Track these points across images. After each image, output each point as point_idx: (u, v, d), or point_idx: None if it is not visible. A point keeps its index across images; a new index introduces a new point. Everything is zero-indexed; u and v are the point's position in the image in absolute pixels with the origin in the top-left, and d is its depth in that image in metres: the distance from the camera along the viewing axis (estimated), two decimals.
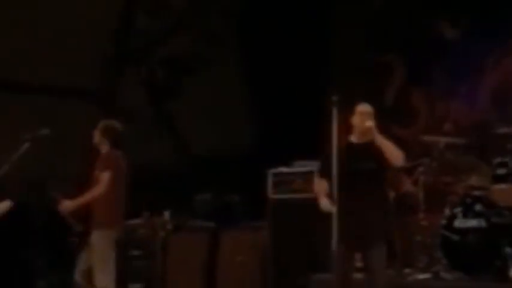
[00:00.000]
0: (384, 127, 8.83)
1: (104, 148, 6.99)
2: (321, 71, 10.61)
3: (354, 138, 6.03)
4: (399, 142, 7.67)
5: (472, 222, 7.04)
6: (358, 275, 6.08)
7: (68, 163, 10.27)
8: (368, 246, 5.79)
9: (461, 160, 7.70)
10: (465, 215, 7.12)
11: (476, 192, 7.26)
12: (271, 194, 8.16)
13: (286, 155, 8.49)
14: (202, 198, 9.23)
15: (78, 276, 6.89)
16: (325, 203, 5.75)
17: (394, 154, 5.83)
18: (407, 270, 7.36)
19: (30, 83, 10.81)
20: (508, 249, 6.77)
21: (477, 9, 9.49)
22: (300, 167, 7.97)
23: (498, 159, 7.23)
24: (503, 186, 7.15)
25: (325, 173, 5.86)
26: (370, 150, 5.87)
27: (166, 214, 8.91)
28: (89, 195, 6.76)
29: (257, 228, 8.40)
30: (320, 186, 5.92)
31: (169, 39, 11.43)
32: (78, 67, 10.77)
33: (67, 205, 6.81)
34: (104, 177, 6.73)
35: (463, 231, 7.06)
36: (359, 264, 6.08)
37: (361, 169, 5.81)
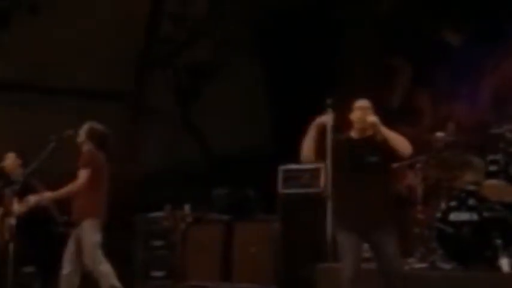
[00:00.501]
0: (390, 126, 8.96)
1: (86, 148, 6.98)
2: (332, 73, 10.60)
3: (354, 134, 5.81)
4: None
5: (466, 216, 6.96)
6: (368, 265, 5.96)
7: None
8: (378, 233, 5.54)
9: (457, 158, 7.59)
10: (459, 209, 7.03)
11: (470, 188, 7.18)
12: (281, 189, 8.21)
13: (297, 153, 8.59)
14: (220, 193, 9.29)
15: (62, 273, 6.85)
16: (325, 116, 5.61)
17: (402, 144, 5.62)
18: (405, 260, 7.17)
19: (65, 86, 11.05)
20: (498, 241, 6.66)
21: (478, 16, 9.49)
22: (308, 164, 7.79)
23: (490, 157, 7.19)
24: (494, 182, 7.08)
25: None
26: (372, 144, 5.68)
27: (187, 208, 9.17)
28: (67, 189, 6.82)
29: (269, 220, 8.43)
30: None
31: (192, 45, 11.55)
32: (110, 71, 11.04)
33: (46, 196, 6.98)
34: (82, 173, 6.76)
35: (457, 224, 6.98)
36: (367, 254, 5.91)
37: (366, 163, 5.62)
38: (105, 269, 6.76)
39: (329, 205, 5.63)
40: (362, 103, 5.80)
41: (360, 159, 5.63)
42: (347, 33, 10.95)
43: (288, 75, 10.74)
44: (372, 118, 5.68)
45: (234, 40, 11.45)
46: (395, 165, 7.01)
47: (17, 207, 7.28)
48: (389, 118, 9.68)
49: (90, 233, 6.76)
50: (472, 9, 9.54)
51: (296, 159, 8.31)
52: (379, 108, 9.47)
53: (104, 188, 6.96)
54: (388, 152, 5.62)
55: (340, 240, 5.58)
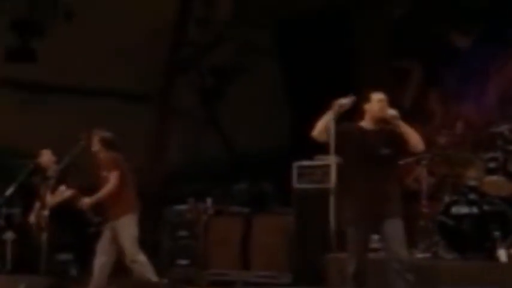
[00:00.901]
0: None
1: (103, 154, 7.11)
2: (347, 75, 10.56)
3: (366, 124, 5.64)
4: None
5: (466, 209, 7.07)
6: (376, 255, 5.97)
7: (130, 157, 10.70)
8: (385, 223, 5.42)
9: (459, 155, 7.73)
10: (461, 203, 7.15)
11: (471, 183, 7.30)
12: (296, 184, 8.25)
13: (312, 151, 8.68)
14: (240, 188, 9.37)
15: (96, 264, 6.99)
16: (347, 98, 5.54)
17: (416, 140, 5.51)
18: (410, 250, 7.13)
19: (97, 88, 11.16)
20: (496, 233, 6.77)
21: (484, 21, 9.60)
22: (320, 160, 7.97)
23: (490, 154, 7.29)
24: (494, 178, 7.19)
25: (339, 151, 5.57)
26: (386, 136, 5.55)
27: (209, 201, 9.16)
28: (103, 193, 6.96)
29: (284, 213, 8.44)
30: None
31: (217, 48, 11.60)
32: (139, 73, 11.12)
33: (86, 202, 7.08)
34: (113, 176, 6.93)
35: (459, 217, 7.09)
36: (375, 245, 5.88)
37: (378, 155, 5.48)
38: (143, 261, 6.92)
39: (331, 199, 5.67)
40: (380, 96, 5.69)
41: (372, 150, 5.50)
42: (362, 37, 10.98)
43: (305, 77, 10.76)
44: (393, 111, 5.57)
45: (255, 43, 11.50)
46: (403, 160, 7.20)
47: (50, 199, 7.51)
48: (401, 117, 9.86)
49: (128, 228, 6.93)
50: (478, 14, 9.65)
51: (311, 156, 8.56)
52: (393, 107, 9.59)
53: (131, 184, 7.12)
54: (401, 146, 5.53)
55: (349, 233, 5.51)
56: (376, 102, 5.62)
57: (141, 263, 6.91)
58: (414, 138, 5.52)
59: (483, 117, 9.44)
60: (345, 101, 5.58)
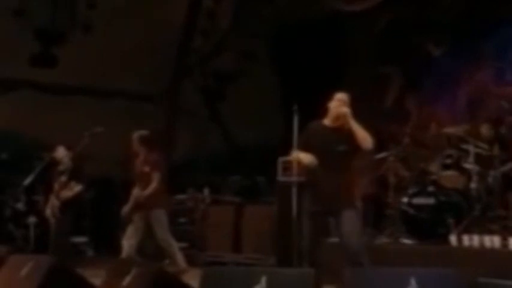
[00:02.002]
0: (383, 124, 9.42)
1: (142, 153, 7.37)
2: (336, 79, 10.80)
3: (327, 122, 5.71)
4: (394, 137, 8.37)
5: (426, 200, 7.42)
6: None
7: None
8: (339, 212, 5.50)
9: (421, 152, 8.20)
10: (421, 194, 7.50)
11: (431, 177, 7.66)
12: (280, 177, 8.31)
13: None
14: (234, 180, 9.80)
15: (125, 244, 7.27)
16: (310, 157, 5.47)
17: (365, 138, 5.50)
18: (376, 236, 7.73)
19: (111, 89, 11.57)
20: (450, 221, 7.08)
21: (455, 34, 9.97)
22: None
23: (446, 152, 7.71)
24: (449, 172, 7.63)
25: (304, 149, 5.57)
26: (341, 133, 5.57)
27: (206, 191, 9.61)
28: (150, 191, 7.23)
29: (271, 203, 8.60)
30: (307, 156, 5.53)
31: (218, 55, 11.95)
32: (149, 77, 11.50)
33: (137, 194, 7.28)
34: (156, 176, 7.25)
35: (419, 207, 7.43)
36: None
37: (335, 150, 5.54)
38: (175, 246, 7.38)
39: (293, 190, 5.72)
40: (341, 95, 5.67)
41: (330, 145, 5.55)
42: (349, 46, 11.38)
43: (298, 81, 11.07)
44: (345, 109, 5.54)
45: (253, 50, 11.79)
46: (379, 156, 7.69)
47: (62, 193, 7.76)
48: (382, 116, 10.34)
49: (161, 219, 7.31)
50: (449, 27, 10.01)
51: None
52: (375, 108, 10.03)
53: (163, 180, 7.40)
54: (354, 144, 5.54)
55: (308, 223, 5.60)
56: (335, 101, 5.64)
57: (174, 249, 7.34)
58: (362, 137, 5.51)
59: (453, 118, 9.81)
60: (306, 161, 5.52)
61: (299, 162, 5.56)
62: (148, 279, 4.91)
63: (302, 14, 11.12)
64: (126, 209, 7.36)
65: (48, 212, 7.88)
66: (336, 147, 5.56)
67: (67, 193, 7.78)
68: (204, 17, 11.65)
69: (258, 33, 11.68)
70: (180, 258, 7.40)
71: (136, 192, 7.36)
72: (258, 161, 10.52)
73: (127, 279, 4.99)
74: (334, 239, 6.13)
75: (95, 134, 7.64)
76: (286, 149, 9.43)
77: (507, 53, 9.50)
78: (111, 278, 5.26)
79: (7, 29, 10.24)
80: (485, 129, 7.71)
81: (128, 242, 7.25)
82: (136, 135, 7.46)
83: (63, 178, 7.82)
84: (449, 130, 7.87)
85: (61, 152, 8.08)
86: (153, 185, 7.28)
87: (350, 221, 5.52)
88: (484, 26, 9.63)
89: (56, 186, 7.84)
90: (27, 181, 8.31)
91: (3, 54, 10.27)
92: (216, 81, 12.11)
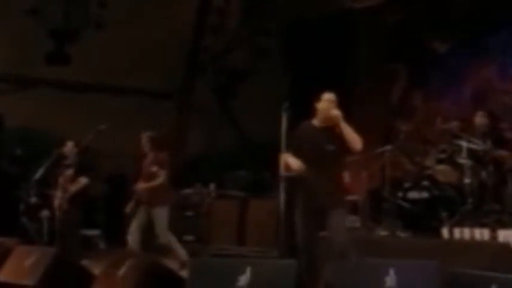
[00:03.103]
0: (390, 119, 9.49)
1: (151, 154, 7.50)
2: (347, 76, 11.21)
3: (316, 122, 5.73)
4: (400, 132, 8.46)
5: (420, 194, 7.61)
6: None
7: None
8: (327, 211, 5.58)
9: (416, 147, 8.29)
10: (416, 189, 7.68)
11: (426, 172, 7.80)
12: (282, 172, 8.55)
13: None
14: (240, 175, 9.94)
15: (129, 239, 7.41)
16: (299, 163, 5.51)
17: (354, 140, 5.53)
18: (375, 229, 7.92)
19: (124, 87, 11.78)
20: (443, 214, 7.26)
21: (461, 31, 10.06)
22: None
23: (440, 147, 7.80)
24: (442, 167, 7.76)
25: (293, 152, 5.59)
26: (331, 134, 5.61)
27: (212, 186, 9.81)
28: (155, 184, 7.38)
29: (275, 197, 8.12)
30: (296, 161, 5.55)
31: (230, 53, 12.14)
32: (162, 75, 11.72)
33: (140, 187, 7.44)
34: (163, 174, 7.41)
35: (413, 201, 7.61)
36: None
37: (324, 150, 5.58)
38: (174, 240, 7.52)
39: (281, 185, 5.72)
40: (329, 96, 5.68)
41: (318, 146, 5.60)
42: (358, 43, 11.47)
43: (306, 78, 11.17)
44: (336, 112, 5.55)
45: (262, 47, 11.95)
46: (378, 150, 7.81)
47: (70, 187, 7.95)
48: (389, 112, 10.42)
49: (163, 216, 7.44)
50: (455, 25, 10.09)
51: None
52: (382, 104, 10.06)
53: (169, 178, 7.55)
54: (343, 144, 5.57)
55: (299, 223, 5.70)
56: (325, 102, 5.66)
57: (175, 245, 7.53)
58: (352, 139, 5.55)
59: (459, 114, 9.72)
60: (295, 166, 5.56)
61: (287, 166, 5.59)
62: (142, 269, 5.22)
63: (312, 11, 11.23)
64: (129, 206, 7.54)
65: (56, 203, 8.06)
66: (325, 147, 5.61)
67: (73, 187, 7.96)
68: (214, 16, 11.85)
69: (269, 31, 11.82)
70: (180, 251, 7.57)
71: (139, 186, 7.51)
72: (268, 157, 10.67)
73: (123, 270, 5.29)
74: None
75: (99, 131, 7.85)
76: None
77: None
78: (108, 268, 5.54)
79: (23, 29, 10.46)
80: (479, 117, 7.71)
81: (132, 237, 7.40)
82: (145, 136, 7.57)
83: (69, 172, 8.01)
84: (445, 126, 7.94)
85: (69, 147, 8.23)
86: (159, 180, 7.41)
87: (338, 219, 5.60)
88: (489, 23, 9.72)
89: (62, 180, 8.04)
90: (37, 175, 8.53)
91: (20, 53, 10.52)
92: (227, 79, 12.28)
